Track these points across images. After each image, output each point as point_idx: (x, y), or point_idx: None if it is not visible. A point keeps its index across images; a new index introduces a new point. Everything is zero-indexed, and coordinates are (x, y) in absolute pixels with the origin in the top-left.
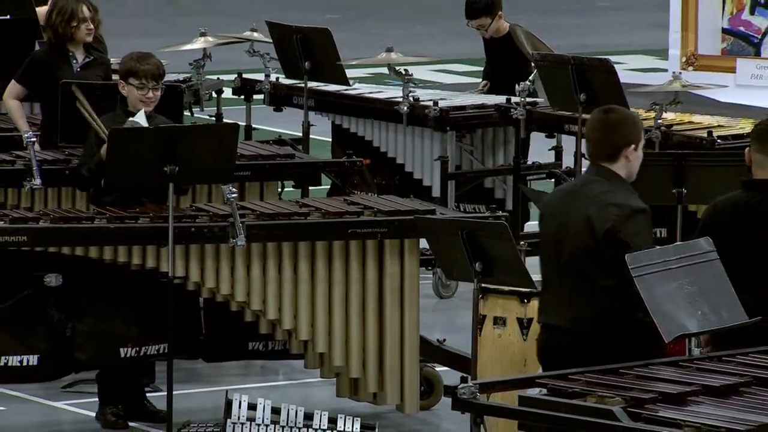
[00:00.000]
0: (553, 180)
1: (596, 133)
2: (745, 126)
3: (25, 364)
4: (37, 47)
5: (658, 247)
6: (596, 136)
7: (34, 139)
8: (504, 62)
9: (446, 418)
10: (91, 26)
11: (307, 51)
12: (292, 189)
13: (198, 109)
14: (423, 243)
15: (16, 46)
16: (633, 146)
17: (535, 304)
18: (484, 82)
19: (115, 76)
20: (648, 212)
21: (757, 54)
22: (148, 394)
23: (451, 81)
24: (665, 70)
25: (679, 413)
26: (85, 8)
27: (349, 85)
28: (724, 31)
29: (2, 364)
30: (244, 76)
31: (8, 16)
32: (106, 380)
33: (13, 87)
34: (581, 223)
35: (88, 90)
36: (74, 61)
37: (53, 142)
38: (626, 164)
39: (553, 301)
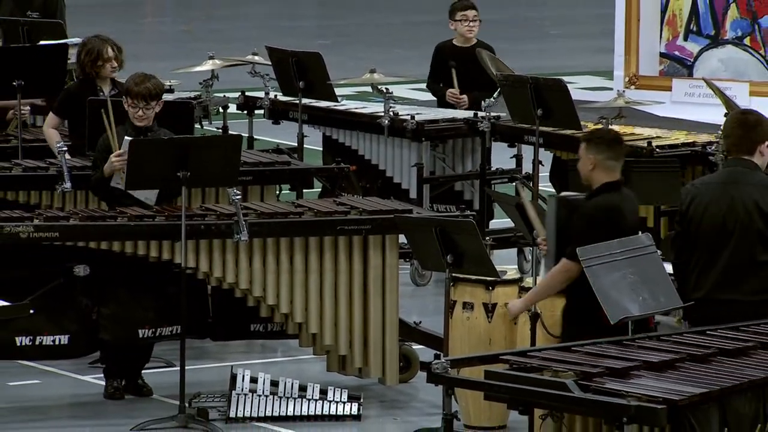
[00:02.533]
0: (513, 183)
1: (736, 130)
2: (680, 137)
3: (57, 343)
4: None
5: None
6: (736, 133)
7: (65, 148)
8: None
9: (422, 390)
10: (115, 64)
11: (301, 72)
12: (288, 191)
13: (207, 122)
14: (402, 238)
15: (50, 69)
16: (766, 143)
17: (499, 290)
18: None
19: None
20: None
21: (690, 75)
22: (161, 369)
23: (426, 98)
24: (611, 89)
25: (623, 385)
26: (109, 49)
27: (337, 101)
28: (662, 55)
29: (37, 343)
30: (247, 93)
31: (46, 42)
32: (109, 360)
33: (52, 118)
34: (750, 206)
35: (103, 106)
36: (101, 94)
37: (80, 151)
38: (760, 157)
39: (716, 279)
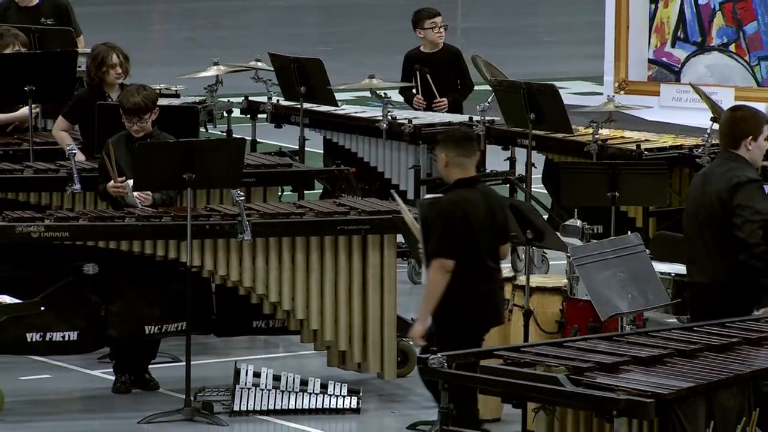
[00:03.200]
0: (507, 185)
1: (723, 125)
2: (668, 140)
3: (66, 339)
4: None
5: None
6: (722, 128)
7: (75, 151)
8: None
9: (419, 384)
10: (120, 71)
11: (302, 78)
12: (290, 193)
13: (211, 126)
14: (400, 238)
15: (60, 73)
16: (751, 137)
17: None
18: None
19: None
20: (760, 181)
21: (678, 80)
22: (168, 364)
23: None
24: (601, 94)
25: (613, 380)
26: (114, 56)
27: (337, 106)
28: (650, 61)
29: (48, 339)
30: (250, 98)
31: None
32: (118, 355)
33: (61, 121)
34: (714, 196)
35: (112, 111)
36: (109, 100)
37: (90, 153)
38: (746, 152)
39: (697, 265)
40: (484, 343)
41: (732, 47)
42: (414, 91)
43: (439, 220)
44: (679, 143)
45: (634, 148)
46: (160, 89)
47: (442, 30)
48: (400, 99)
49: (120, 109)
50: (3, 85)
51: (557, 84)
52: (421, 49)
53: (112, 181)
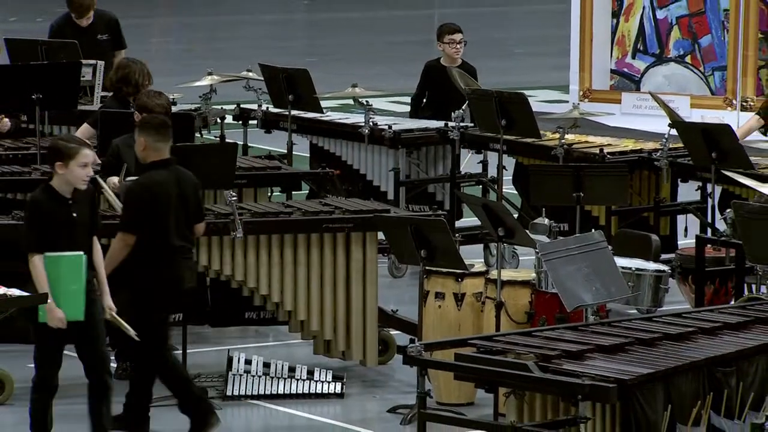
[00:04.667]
0: (480, 186)
1: None
2: (628, 145)
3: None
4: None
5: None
6: None
7: None
8: (449, 89)
9: (398, 371)
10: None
11: (290, 86)
12: (279, 193)
13: (206, 131)
14: (380, 235)
15: (65, 83)
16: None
17: (467, 281)
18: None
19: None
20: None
21: (638, 89)
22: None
23: (402, 110)
24: (567, 102)
25: (579, 366)
26: (148, 80)
27: (323, 113)
28: (612, 71)
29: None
30: (242, 106)
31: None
32: (118, 345)
33: (86, 129)
34: None
35: (122, 117)
36: (132, 108)
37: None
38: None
39: None
40: (458, 333)
41: (688, 59)
42: (424, 101)
43: (129, 199)
44: (639, 147)
45: (598, 152)
46: None
47: (458, 47)
48: (381, 106)
49: (141, 110)
50: (12, 94)
51: (526, 92)
52: (441, 61)
53: (115, 178)
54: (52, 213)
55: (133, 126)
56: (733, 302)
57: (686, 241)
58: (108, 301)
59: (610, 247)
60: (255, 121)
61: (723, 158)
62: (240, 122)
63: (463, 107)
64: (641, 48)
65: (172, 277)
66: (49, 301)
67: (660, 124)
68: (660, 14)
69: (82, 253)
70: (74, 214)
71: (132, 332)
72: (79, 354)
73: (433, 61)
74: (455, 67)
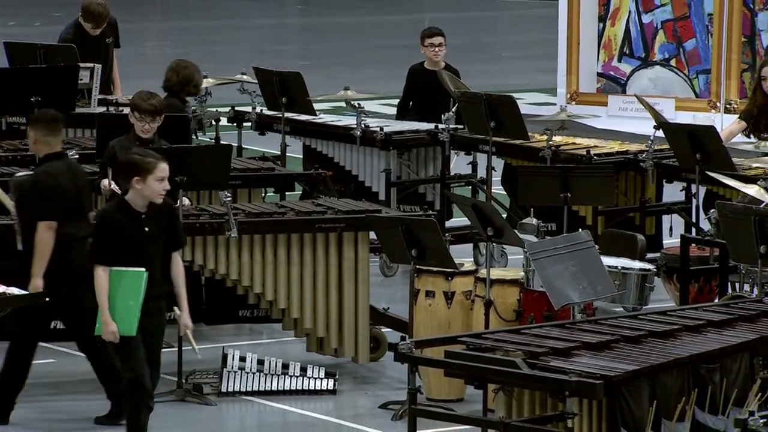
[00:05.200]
0: (470, 187)
1: None
2: (615, 146)
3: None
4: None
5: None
6: None
7: (77, 156)
8: (433, 92)
9: (390, 367)
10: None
11: (284, 89)
12: (272, 194)
13: (201, 133)
14: (372, 235)
15: (62, 86)
16: None
17: (457, 280)
18: None
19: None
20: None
21: (624, 92)
22: (162, 350)
23: (393, 112)
24: (554, 104)
25: (566, 363)
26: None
27: (315, 115)
28: (599, 74)
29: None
30: (237, 108)
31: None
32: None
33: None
34: None
35: (119, 120)
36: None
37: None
38: None
39: None
40: (448, 331)
41: (673, 62)
42: (411, 103)
43: (31, 189)
44: (625, 149)
45: (585, 153)
46: None
47: (437, 50)
48: (373, 109)
49: (134, 110)
50: (12, 96)
51: (515, 95)
52: (425, 65)
53: (105, 181)
54: (123, 227)
55: (130, 128)
56: (717, 300)
57: (671, 241)
58: (185, 319)
59: (596, 247)
60: (249, 123)
61: (707, 159)
62: (234, 124)
63: (453, 109)
64: (627, 51)
65: (65, 263)
66: (105, 314)
67: (645, 126)
68: (645, 18)
69: (144, 269)
70: (146, 229)
71: (199, 354)
72: None
73: (417, 65)
74: (444, 70)
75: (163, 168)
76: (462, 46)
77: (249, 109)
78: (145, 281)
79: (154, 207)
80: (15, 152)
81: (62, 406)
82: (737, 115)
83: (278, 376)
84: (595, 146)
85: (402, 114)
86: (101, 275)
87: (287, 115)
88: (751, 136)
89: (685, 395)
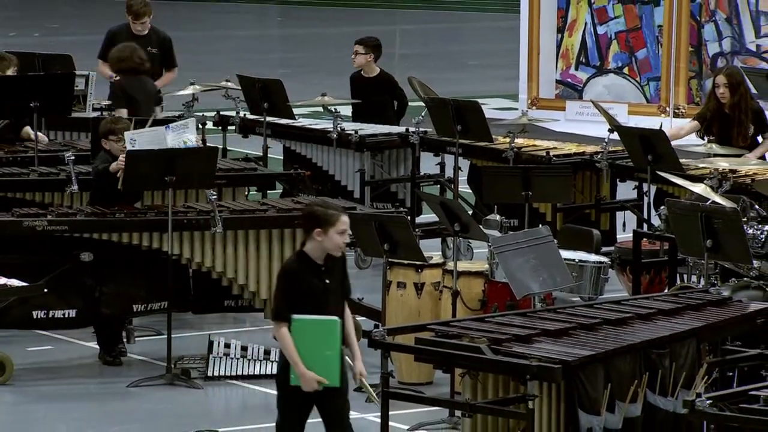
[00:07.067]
0: (438, 186)
1: None
2: (572, 148)
3: (66, 316)
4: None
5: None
6: None
7: (73, 158)
8: (370, 97)
9: (364, 353)
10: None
11: (265, 95)
12: (255, 192)
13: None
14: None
15: (60, 92)
16: None
17: (426, 272)
18: None
19: None
20: None
21: (581, 98)
22: (152, 337)
23: None
24: (516, 109)
25: (527, 349)
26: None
27: (295, 119)
28: (557, 81)
29: (50, 316)
30: (221, 113)
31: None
32: (102, 334)
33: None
34: None
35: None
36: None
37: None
38: None
39: None
40: (418, 319)
41: (626, 70)
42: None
43: None
44: (581, 150)
45: (544, 154)
46: None
47: (353, 57)
48: (348, 113)
49: (107, 133)
50: (12, 101)
51: (480, 101)
52: (362, 73)
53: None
54: (306, 281)
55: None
56: (666, 291)
57: (624, 235)
58: (359, 367)
59: (555, 241)
60: (233, 127)
61: (658, 160)
62: (219, 128)
63: (423, 114)
64: (583, 60)
65: None
66: (300, 367)
67: (600, 130)
68: (600, 30)
69: (336, 318)
70: (327, 281)
71: (377, 399)
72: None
73: (356, 73)
74: (415, 78)
75: (345, 221)
76: (431, 55)
77: (233, 113)
78: (340, 329)
79: (331, 258)
80: (14, 153)
81: (59, 390)
82: (691, 118)
83: (261, 361)
84: (554, 148)
85: (355, 118)
86: (284, 333)
87: (269, 119)
88: (705, 137)
89: (638, 378)
